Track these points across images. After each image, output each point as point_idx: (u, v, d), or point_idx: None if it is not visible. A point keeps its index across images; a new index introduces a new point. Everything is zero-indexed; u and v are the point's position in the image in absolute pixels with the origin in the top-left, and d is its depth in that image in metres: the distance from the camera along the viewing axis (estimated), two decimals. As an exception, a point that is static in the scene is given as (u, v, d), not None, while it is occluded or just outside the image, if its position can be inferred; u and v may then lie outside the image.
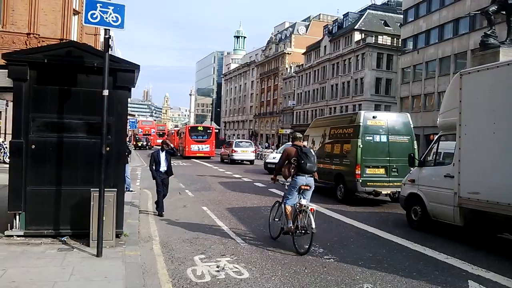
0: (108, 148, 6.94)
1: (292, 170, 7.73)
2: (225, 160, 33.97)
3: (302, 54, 73.46)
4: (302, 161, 7.59)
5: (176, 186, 16.87)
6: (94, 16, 6.77)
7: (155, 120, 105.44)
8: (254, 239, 8.32)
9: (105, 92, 6.65)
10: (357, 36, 57.21)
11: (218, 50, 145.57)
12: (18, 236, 7.21)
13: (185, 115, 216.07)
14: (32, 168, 7.30)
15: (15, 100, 7.37)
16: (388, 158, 13.31)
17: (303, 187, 7.69)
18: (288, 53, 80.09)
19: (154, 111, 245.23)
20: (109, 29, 6.95)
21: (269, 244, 7.90)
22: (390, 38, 56.07)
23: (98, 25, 6.94)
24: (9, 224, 7.28)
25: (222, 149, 37.88)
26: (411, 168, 12.59)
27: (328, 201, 13.80)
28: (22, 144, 7.22)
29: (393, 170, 13.31)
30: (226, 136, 78.01)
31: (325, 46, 65.40)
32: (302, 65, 73.05)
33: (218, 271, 6.24)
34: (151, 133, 68.76)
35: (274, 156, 25.66)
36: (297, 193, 7.76)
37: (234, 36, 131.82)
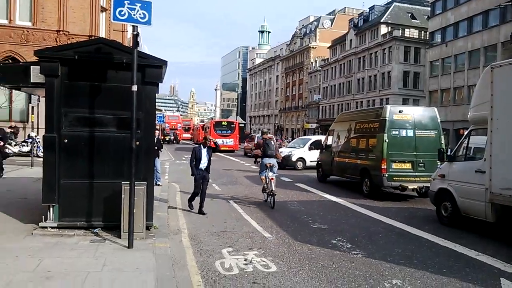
0: (138, 142, 7.07)
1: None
2: (248, 154, 34.55)
3: (327, 48, 72.73)
4: (265, 149, 11.86)
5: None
6: (122, 13, 6.87)
7: (181, 115, 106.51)
8: (281, 234, 8.34)
9: (134, 88, 6.77)
10: (383, 29, 56.26)
11: (243, 45, 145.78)
12: (52, 227, 7.44)
13: (210, 110, 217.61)
14: (65, 162, 7.51)
15: (47, 95, 7.59)
16: (415, 153, 13.14)
17: (268, 165, 11.72)
18: (313, 47, 79.44)
19: (181, 106, 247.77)
20: (136, 26, 7.05)
21: (296, 239, 7.91)
22: (417, 31, 54.93)
23: (126, 22, 7.05)
24: (43, 216, 7.52)
25: (245, 143, 38.42)
26: (438, 163, 12.42)
27: (354, 195, 13.70)
28: (55, 138, 7.43)
29: (420, 164, 13.14)
30: (251, 131, 78.07)
31: (350, 40, 64.58)
32: (328, 59, 72.37)
33: (245, 264, 6.30)
34: (177, 127, 69.46)
35: (281, 151, 25.54)
36: (265, 169, 11.71)
37: (259, 31, 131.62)
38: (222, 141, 38.69)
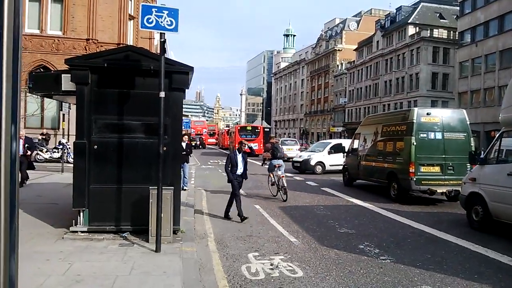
0: (165, 148, 7.17)
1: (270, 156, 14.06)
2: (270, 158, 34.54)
3: (354, 50, 72.08)
4: (274, 152, 13.86)
5: (228, 186, 17.11)
6: (150, 20, 7.01)
7: (207, 120, 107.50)
8: (307, 238, 8.29)
9: (162, 94, 6.88)
10: (411, 30, 55.39)
11: (268, 49, 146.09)
12: (82, 232, 7.62)
13: (236, 115, 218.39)
14: (95, 167, 7.69)
15: (78, 103, 7.80)
16: (444, 156, 12.89)
17: (277, 165, 13.46)
18: (339, 50, 78.88)
19: (206, 111, 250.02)
20: (164, 33, 7.18)
21: (322, 244, 7.85)
22: (446, 31, 53.83)
23: (153, 29, 7.20)
24: (73, 220, 7.71)
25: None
26: (468, 166, 12.13)
27: (381, 199, 13.50)
28: (85, 144, 7.63)
29: (449, 168, 12.88)
30: (276, 135, 78.08)
31: (377, 41, 63.83)
32: (354, 61, 71.72)
33: (272, 269, 6.29)
34: (203, 133, 70.15)
35: (300, 155, 25.47)
36: (274, 168, 13.55)
37: (284, 35, 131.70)
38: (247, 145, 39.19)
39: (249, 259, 6.76)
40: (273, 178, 13.82)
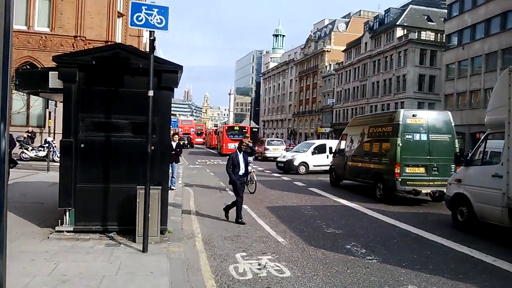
0: (153, 147, 7.13)
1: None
2: (258, 158, 35.43)
3: (342, 51, 72.51)
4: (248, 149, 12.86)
5: (216, 185, 17.13)
6: (140, 18, 6.97)
7: (194, 120, 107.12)
8: (295, 238, 8.32)
9: (151, 93, 6.84)
10: (399, 32, 55.90)
11: (257, 49, 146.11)
12: (68, 231, 7.54)
13: (224, 114, 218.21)
14: (81, 166, 7.61)
15: (65, 101, 7.71)
16: (429, 157, 13.09)
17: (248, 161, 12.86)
18: (327, 51, 79.27)
19: (195, 111, 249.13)
20: (153, 31, 7.14)
21: (310, 244, 7.89)
22: (433, 33, 54.47)
23: (143, 27, 7.15)
24: (59, 220, 7.63)
25: (256, 147, 39.40)
26: (452, 167, 12.33)
27: (367, 200, 13.61)
28: (71, 143, 7.54)
29: (434, 169, 13.08)
30: (264, 135, 78.17)
31: (365, 43, 64.30)
32: (342, 62, 72.13)
33: (259, 269, 6.30)
34: (190, 132, 69.98)
35: (284, 155, 25.59)
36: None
37: (273, 35, 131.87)
38: (234, 145, 39.50)
39: (237, 259, 6.76)
40: None
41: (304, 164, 23.41)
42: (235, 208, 9.91)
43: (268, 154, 34.99)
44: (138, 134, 7.69)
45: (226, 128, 44.98)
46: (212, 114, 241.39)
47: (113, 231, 7.63)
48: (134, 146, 7.74)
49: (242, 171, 9.98)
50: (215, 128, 73.47)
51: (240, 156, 10.05)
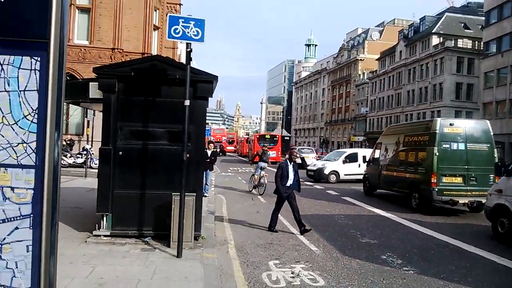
0: (188, 155, 7.27)
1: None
2: None
3: (376, 60, 71.66)
4: (262, 156, 17.55)
5: (248, 192, 17.19)
6: (177, 31, 7.15)
7: (226, 128, 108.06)
8: (328, 248, 8.25)
9: (187, 102, 6.99)
10: (435, 40, 54.75)
11: (289, 59, 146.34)
12: (105, 236, 7.76)
13: (256, 123, 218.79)
14: (119, 173, 7.84)
15: (105, 110, 7.99)
16: (466, 167, 12.77)
17: (262, 166, 16.86)
18: (361, 59, 78.53)
19: (227, 119, 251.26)
20: (190, 43, 7.31)
21: (344, 253, 7.80)
22: (470, 41, 53.02)
23: (180, 39, 7.33)
24: (96, 225, 7.86)
25: (286, 155, 39.85)
26: (491, 177, 11.97)
27: (402, 210, 13.33)
28: (110, 150, 7.79)
29: (472, 178, 12.73)
30: (296, 144, 77.89)
31: (400, 51, 63.30)
32: (376, 71, 71.21)
33: (293, 277, 6.28)
34: (222, 140, 70.69)
35: (314, 163, 25.33)
36: (260, 169, 16.82)
37: (305, 45, 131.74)
38: None
39: (270, 267, 6.76)
40: (255, 179, 17.00)
41: (335, 172, 23.17)
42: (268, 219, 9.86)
43: (299, 162, 34.90)
44: (174, 142, 7.86)
45: (258, 136, 45.93)
46: (244, 123, 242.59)
47: (148, 236, 7.80)
48: (170, 154, 7.91)
49: (290, 182, 9.58)
50: (247, 136, 74.04)
51: (290, 167, 9.68)
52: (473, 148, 12.91)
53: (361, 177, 20.26)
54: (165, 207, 7.49)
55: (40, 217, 2.29)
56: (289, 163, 9.74)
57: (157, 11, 30.87)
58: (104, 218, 7.81)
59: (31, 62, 2.24)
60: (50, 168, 1.99)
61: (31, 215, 2.31)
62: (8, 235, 2.30)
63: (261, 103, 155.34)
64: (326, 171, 23.11)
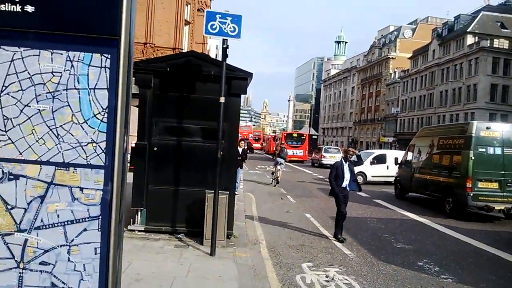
0: (221, 153, 7.23)
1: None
2: (315, 164, 36.75)
3: (408, 58, 70.12)
4: (280, 153, 20.24)
5: (277, 191, 17.13)
6: (214, 27, 7.10)
7: (253, 126, 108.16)
8: (362, 252, 8.07)
9: (222, 99, 6.94)
10: (469, 40, 53.17)
11: (318, 56, 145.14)
12: (139, 231, 7.82)
13: (283, 121, 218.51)
14: (154, 169, 7.88)
15: (140, 105, 8.03)
16: (503, 172, 12.34)
17: (279, 161, 19.39)
18: (392, 58, 77.04)
19: (254, 116, 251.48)
20: (227, 39, 7.25)
21: (379, 258, 7.61)
22: (507, 41, 51.23)
23: (217, 35, 7.27)
24: (131, 219, 7.93)
25: (313, 154, 40.32)
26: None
27: (436, 214, 12.96)
28: (146, 146, 7.83)
29: (508, 184, 12.31)
30: (324, 143, 77.16)
31: (433, 50, 61.79)
32: (408, 70, 69.72)
33: (327, 281, 6.16)
34: (249, 138, 70.92)
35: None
36: (277, 163, 19.36)
37: (335, 42, 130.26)
38: (293, 152, 40.83)
39: (303, 269, 6.66)
40: (274, 169, 19.69)
41: (362, 174, 22.67)
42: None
43: (325, 161, 35.27)
44: (207, 139, 7.85)
45: (285, 134, 46.06)
46: (271, 120, 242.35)
47: (181, 233, 7.82)
48: (203, 151, 7.90)
49: (346, 182, 8.93)
50: (274, 134, 73.95)
51: (345, 166, 8.97)
52: (510, 153, 12.46)
53: (389, 179, 19.82)
54: (197, 205, 7.49)
55: (109, 219, 2.26)
56: (344, 162, 9.03)
57: (189, 6, 31.04)
58: (139, 213, 7.87)
59: (101, 59, 2.20)
60: (119, 169, 1.96)
61: (100, 217, 2.28)
62: (76, 236, 2.28)
63: (289, 100, 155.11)
64: None
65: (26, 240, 2.28)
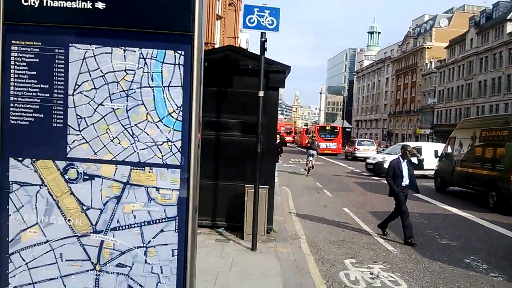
0: (261, 147, 7.17)
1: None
2: (348, 157, 36.66)
3: (444, 48, 67.91)
4: (311, 145, 21.96)
5: (313, 185, 16.99)
6: (252, 20, 7.02)
7: (285, 119, 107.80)
8: (406, 247, 7.86)
9: (261, 93, 6.87)
10: (509, 28, 50.90)
11: (350, 47, 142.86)
12: (180, 224, 7.87)
13: (314, 114, 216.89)
14: (194, 163, 7.90)
15: (180, 100, 8.06)
16: None
17: (311, 153, 21.21)
18: (428, 48, 74.84)
19: (285, 109, 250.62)
20: (265, 33, 7.16)
21: (424, 255, 7.39)
22: (551, 28, 48.81)
23: (255, 29, 7.17)
24: (172, 213, 8.00)
25: (347, 147, 40.18)
26: None
27: (479, 209, 12.51)
28: (186, 140, 7.86)
29: None
30: (358, 136, 76.00)
31: (471, 39, 59.59)
32: (445, 60, 67.57)
33: (372, 278, 6.03)
34: (280, 131, 70.85)
35: (374, 157, 24.41)
36: (309, 155, 21.16)
37: (368, 32, 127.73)
38: (326, 145, 41.07)
39: (346, 266, 6.55)
40: (307, 163, 21.40)
41: None
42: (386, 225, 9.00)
43: (358, 154, 35.13)
44: (246, 133, 7.82)
45: (318, 128, 45.86)
46: (302, 113, 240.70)
47: (221, 227, 7.85)
48: (242, 145, 7.88)
49: (406, 181, 8.41)
50: (306, 127, 73.49)
51: (403, 165, 8.48)
52: None
53: (424, 172, 19.22)
54: (237, 199, 7.49)
55: (186, 220, 2.24)
56: (401, 160, 8.52)
57: (220, 0, 31.12)
58: (180, 206, 7.91)
59: (175, 56, 2.15)
60: (195, 168, 1.93)
61: (177, 218, 2.26)
62: (153, 238, 2.25)
63: (320, 93, 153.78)
64: (386, 165, 22.10)
65: (102, 241, 2.27)
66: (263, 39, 7.22)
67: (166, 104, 2.19)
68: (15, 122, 2.26)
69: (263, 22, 7.08)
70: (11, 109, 2.25)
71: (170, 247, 2.27)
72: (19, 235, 2.31)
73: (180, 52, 2.15)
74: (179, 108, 2.19)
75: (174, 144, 2.22)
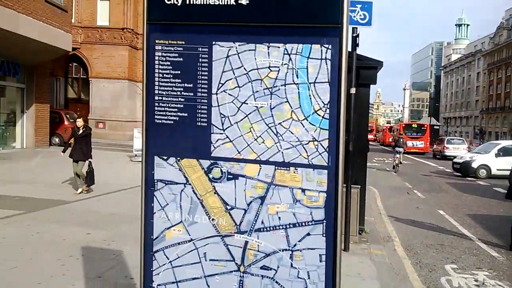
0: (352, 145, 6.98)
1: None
2: (437, 156, 34.86)
3: (546, 37, 61.81)
4: (397, 143, 22.45)
5: (401, 185, 16.31)
6: (343, 15, 6.85)
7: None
8: (512, 254, 7.23)
9: (353, 90, 6.70)
10: None
11: (436, 41, 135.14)
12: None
13: (398, 111, 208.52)
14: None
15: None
16: None
17: (397, 150, 21.65)
18: (525, 38, 68.59)
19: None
20: (356, 28, 6.96)
21: (535, 263, 6.75)
22: None
23: (347, 24, 7.00)
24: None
25: (435, 145, 38.53)
26: None
27: None
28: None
29: None
30: (446, 134, 71.60)
31: None
32: (546, 50, 61.50)
33: (478, 286, 5.61)
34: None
35: (462, 156, 22.57)
36: (396, 152, 21.59)
37: (456, 25, 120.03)
38: (412, 143, 39.27)
39: (447, 271, 6.15)
40: (394, 160, 21.55)
41: (485, 167, 20.36)
42: None
43: (448, 153, 33.03)
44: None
45: (404, 125, 43.99)
46: (385, 111, 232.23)
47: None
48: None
49: None
50: (388, 125, 70.83)
51: None
52: None
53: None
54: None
55: (334, 225, 2.12)
56: None
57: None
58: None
59: (321, 50, 2.08)
60: (342, 169, 1.84)
61: (324, 221, 2.15)
62: (299, 241, 2.18)
63: (404, 89, 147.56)
64: (475, 165, 20.48)
65: (246, 242, 2.24)
66: (354, 34, 7.03)
67: (311, 102, 2.11)
68: (160, 121, 2.30)
69: (354, 17, 6.92)
70: (155, 108, 2.30)
71: (317, 252, 2.17)
72: (163, 233, 2.35)
73: (327, 46, 2.06)
74: (325, 106, 2.10)
75: (320, 144, 2.12)
